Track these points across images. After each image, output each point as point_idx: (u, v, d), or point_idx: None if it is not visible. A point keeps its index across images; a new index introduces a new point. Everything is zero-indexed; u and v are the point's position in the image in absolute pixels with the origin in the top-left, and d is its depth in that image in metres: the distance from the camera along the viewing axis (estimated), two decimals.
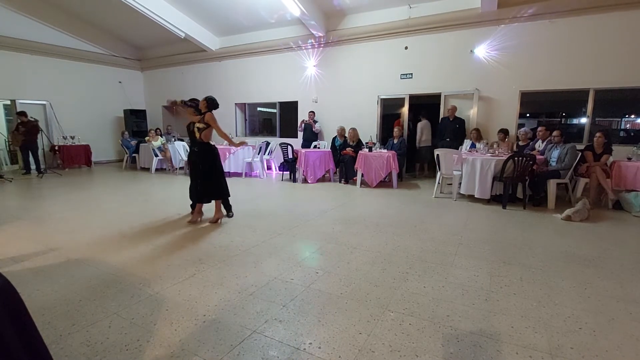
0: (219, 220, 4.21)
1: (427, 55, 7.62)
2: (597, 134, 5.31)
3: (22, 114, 8.44)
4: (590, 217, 4.45)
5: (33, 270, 2.80)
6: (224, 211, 4.43)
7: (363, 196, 6.07)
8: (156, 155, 9.19)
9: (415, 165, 8.59)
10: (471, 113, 7.23)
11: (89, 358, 1.72)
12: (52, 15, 9.23)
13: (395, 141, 7.46)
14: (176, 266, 2.87)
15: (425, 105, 8.55)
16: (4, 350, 1.01)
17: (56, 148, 9.67)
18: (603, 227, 4.14)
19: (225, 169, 8.20)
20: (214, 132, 4.26)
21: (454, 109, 7.19)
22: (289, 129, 10.16)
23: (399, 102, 8.24)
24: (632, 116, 9.62)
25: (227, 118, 10.78)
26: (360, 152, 6.94)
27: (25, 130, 8.28)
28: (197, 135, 4.08)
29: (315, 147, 8.63)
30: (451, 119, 7.20)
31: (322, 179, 7.74)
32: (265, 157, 8.80)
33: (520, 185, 5.22)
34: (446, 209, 5.08)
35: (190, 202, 4.41)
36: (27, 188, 6.92)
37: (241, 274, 2.71)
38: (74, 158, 9.89)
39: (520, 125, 7.29)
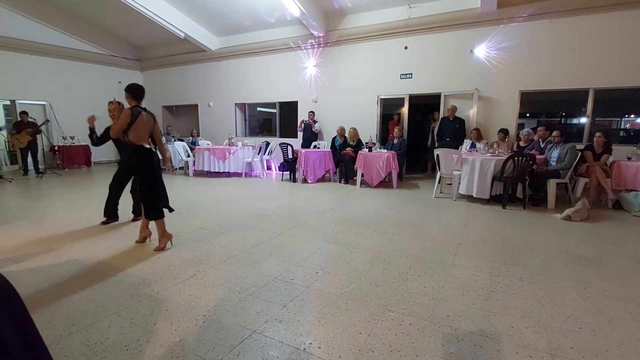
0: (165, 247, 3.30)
1: (427, 55, 7.62)
2: (597, 134, 5.30)
3: (26, 113, 8.51)
4: (590, 217, 4.45)
5: (33, 270, 2.80)
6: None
7: (363, 196, 6.07)
8: None
9: (427, 164, 8.66)
10: (471, 113, 7.23)
11: (89, 358, 1.72)
12: (52, 16, 9.22)
13: (395, 141, 7.46)
14: (176, 266, 2.87)
15: (424, 106, 8.57)
16: (3, 351, 1.01)
17: (56, 148, 9.67)
18: (603, 227, 4.14)
19: (225, 169, 8.23)
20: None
21: (454, 109, 7.19)
22: (288, 129, 10.16)
23: (398, 102, 8.25)
24: (632, 116, 9.63)
25: (227, 118, 10.79)
26: (360, 152, 6.93)
27: (32, 131, 8.33)
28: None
29: (315, 147, 8.63)
30: (451, 119, 7.20)
31: (322, 179, 7.74)
32: (265, 157, 8.80)
33: (520, 185, 5.22)
34: (446, 209, 5.08)
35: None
36: (27, 188, 6.92)
37: (241, 274, 2.71)
38: (73, 158, 9.90)
39: (520, 125, 7.30)
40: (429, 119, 8.72)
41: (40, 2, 8.86)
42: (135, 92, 3.25)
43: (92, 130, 4.13)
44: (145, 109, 3.28)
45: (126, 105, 3.32)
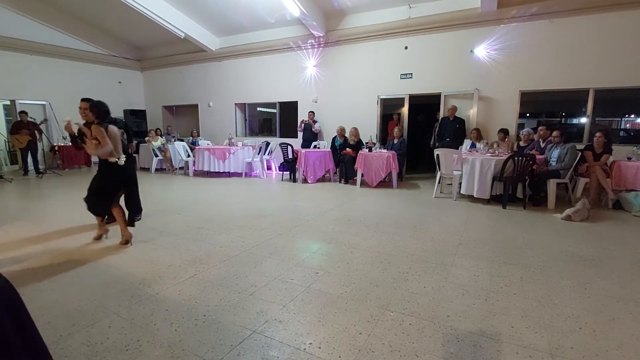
0: (129, 241, 3.44)
1: (427, 55, 7.62)
2: (597, 134, 5.30)
3: (25, 113, 8.52)
4: (590, 217, 4.45)
5: (33, 270, 2.80)
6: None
7: (363, 196, 6.07)
8: (156, 156, 9.19)
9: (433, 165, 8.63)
10: (471, 113, 7.23)
11: (89, 358, 1.72)
12: (52, 16, 9.22)
13: (396, 141, 7.46)
14: (176, 266, 2.87)
15: (425, 105, 8.55)
16: (4, 350, 1.01)
17: (56, 148, 9.67)
18: (603, 227, 4.14)
19: (225, 169, 8.23)
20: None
21: (454, 109, 7.18)
22: (288, 129, 10.16)
23: (398, 102, 8.25)
24: (632, 116, 9.62)
25: (227, 118, 10.80)
26: (360, 152, 6.93)
27: (30, 131, 8.33)
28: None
29: (315, 147, 8.63)
30: (451, 119, 7.19)
31: (322, 179, 7.74)
32: (265, 157, 8.80)
33: (520, 185, 5.22)
34: (446, 209, 5.08)
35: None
36: (27, 188, 6.92)
37: (241, 274, 2.71)
38: (73, 158, 9.89)
39: (520, 125, 7.29)
40: (435, 118, 8.67)
41: (40, 2, 8.86)
42: (97, 113, 3.36)
43: (73, 137, 3.91)
44: (110, 122, 3.44)
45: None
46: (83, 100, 3.73)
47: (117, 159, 3.36)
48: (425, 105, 9.28)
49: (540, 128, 6.14)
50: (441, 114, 7.62)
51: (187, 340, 1.86)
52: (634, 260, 3.07)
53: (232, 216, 4.55)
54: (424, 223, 4.25)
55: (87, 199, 3.51)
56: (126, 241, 3.42)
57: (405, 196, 6.02)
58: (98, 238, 3.64)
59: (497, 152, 5.74)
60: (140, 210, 4.35)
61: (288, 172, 8.02)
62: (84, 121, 3.68)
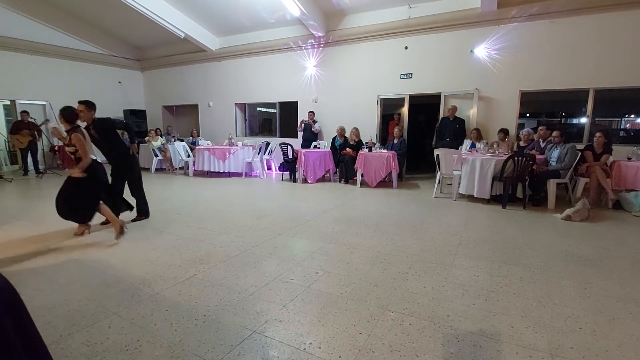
0: (123, 229, 3.54)
1: (427, 55, 7.62)
2: (597, 134, 5.30)
3: (27, 113, 8.53)
4: (590, 217, 4.45)
5: (33, 270, 2.80)
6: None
7: (363, 196, 6.07)
8: (156, 156, 9.19)
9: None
10: (471, 113, 7.23)
11: (89, 358, 1.72)
12: (52, 16, 9.22)
13: (396, 141, 7.46)
14: (177, 266, 2.87)
15: (425, 105, 8.53)
16: (3, 350, 1.01)
17: (56, 148, 9.68)
18: (603, 227, 4.14)
19: (225, 169, 8.23)
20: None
21: (454, 109, 7.18)
22: (288, 129, 10.16)
23: (399, 102, 8.25)
24: (632, 116, 9.62)
25: (227, 118, 10.80)
26: (360, 152, 6.94)
27: (31, 132, 8.34)
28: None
29: (315, 147, 8.63)
30: (451, 119, 7.19)
31: (322, 179, 7.74)
32: (265, 157, 8.80)
33: (520, 185, 5.22)
34: (446, 209, 5.08)
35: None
36: (26, 188, 6.92)
37: (241, 274, 2.71)
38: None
39: (520, 125, 7.29)
40: (436, 118, 8.67)
41: (40, 2, 8.86)
42: (68, 119, 3.50)
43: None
44: (78, 126, 3.57)
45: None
46: (80, 102, 3.79)
47: (94, 156, 3.56)
48: (425, 105, 9.28)
49: (540, 128, 6.14)
50: (441, 114, 7.62)
51: (187, 340, 1.86)
52: (634, 260, 3.07)
53: (232, 216, 4.55)
54: (424, 223, 4.25)
55: (63, 210, 3.48)
56: (120, 231, 3.46)
57: (405, 196, 6.02)
58: (80, 234, 3.73)
59: (497, 152, 5.74)
60: (146, 211, 4.42)
61: (288, 172, 8.02)
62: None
